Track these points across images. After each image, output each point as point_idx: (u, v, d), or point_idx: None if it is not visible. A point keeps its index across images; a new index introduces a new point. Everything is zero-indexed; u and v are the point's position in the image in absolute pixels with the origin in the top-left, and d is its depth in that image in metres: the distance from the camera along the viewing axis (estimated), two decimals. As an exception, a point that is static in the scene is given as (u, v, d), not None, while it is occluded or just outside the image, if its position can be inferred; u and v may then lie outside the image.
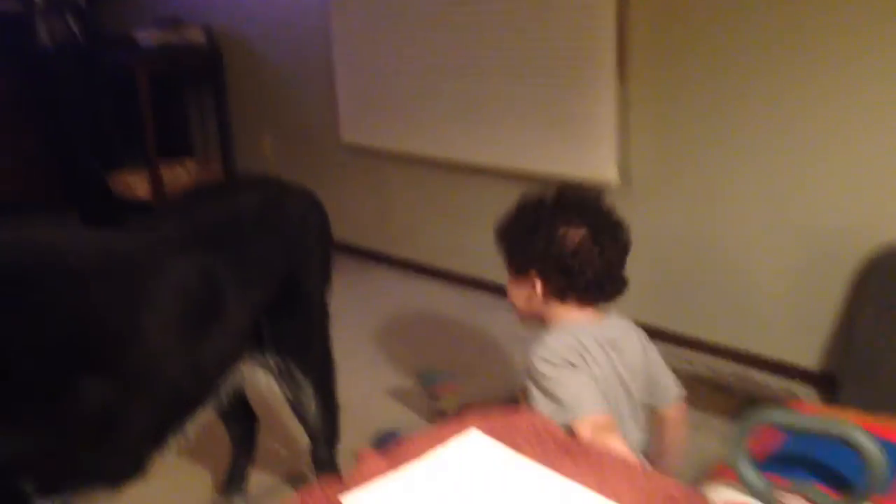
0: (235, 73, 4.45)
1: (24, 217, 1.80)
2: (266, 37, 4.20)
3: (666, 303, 2.85)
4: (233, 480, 2.10)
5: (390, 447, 0.99)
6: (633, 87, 2.74)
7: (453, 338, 3.07)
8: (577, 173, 2.91)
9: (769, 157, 2.49)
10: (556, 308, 1.69)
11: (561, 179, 2.98)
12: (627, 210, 2.84)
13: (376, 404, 2.59)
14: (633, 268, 2.98)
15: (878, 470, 1.20)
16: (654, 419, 1.76)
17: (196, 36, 4.40)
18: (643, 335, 1.77)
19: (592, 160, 2.85)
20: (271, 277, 1.73)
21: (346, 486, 0.89)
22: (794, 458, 1.40)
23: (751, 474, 1.30)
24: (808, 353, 2.53)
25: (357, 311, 3.37)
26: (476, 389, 2.52)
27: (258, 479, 2.18)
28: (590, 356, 1.59)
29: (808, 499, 1.26)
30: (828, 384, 2.44)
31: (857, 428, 1.23)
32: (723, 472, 1.43)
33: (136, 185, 4.40)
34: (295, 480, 2.22)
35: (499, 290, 2.20)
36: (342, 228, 4.10)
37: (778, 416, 1.30)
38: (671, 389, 1.81)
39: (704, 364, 2.64)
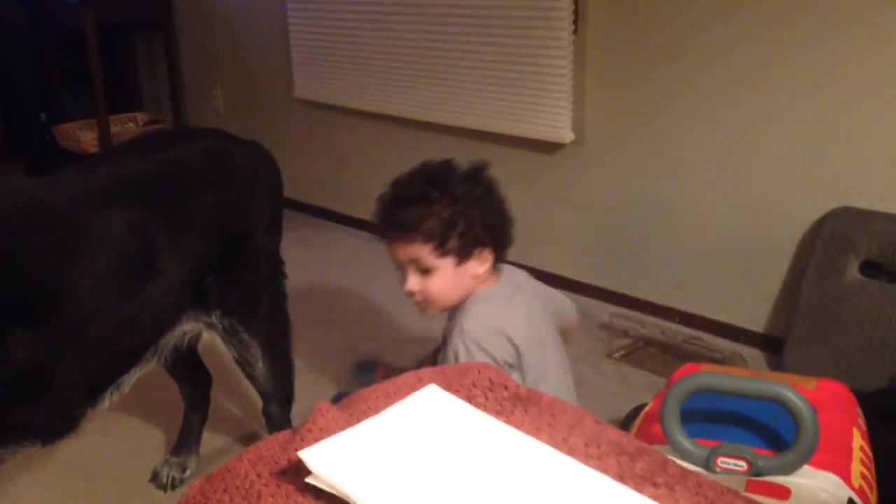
0: (187, 22, 4.34)
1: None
2: (219, -13, 4.10)
3: (617, 264, 2.88)
4: (185, 440, 2.08)
5: (347, 401, 0.98)
6: (588, 46, 2.74)
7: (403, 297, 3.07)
8: (532, 132, 2.91)
9: (723, 122, 2.51)
10: (486, 279, 1.72)
11: (516, 138, 2.98)
12: (581, 170, 2.88)
13: (331, 364, 2.58)
14: (585, 228, 3.02)
15: (810, 428, 1.24)
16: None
17: (146, -18, 4.28)
18: None
19: (547, 119, 2.85)
20: (214, 233, 1.66)
21: (302, 439, 0.88)
22: (715, 416, 1.42)
23: (685, 442, 1.32)
24: (755, 316, 2.58)
25: (309, 270, 3.35)
26: (419, 351, 2.52)
27: (211, 439, 2.17)
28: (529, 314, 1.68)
29: (745, 461, 1.29)
30: (775, 347, 2.50)
31: (788, 388, 1.25)
32: (646, 432, 1.45)
33: (83, 138, 4.28)
34: (248, 440, 2.21)
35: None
36: (294, 185, 4.06)
37: (708, 379, 1.32)
38: (566, 301, 1.93)
39: (654, 326, 2.68)
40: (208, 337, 1.78)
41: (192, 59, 4.40)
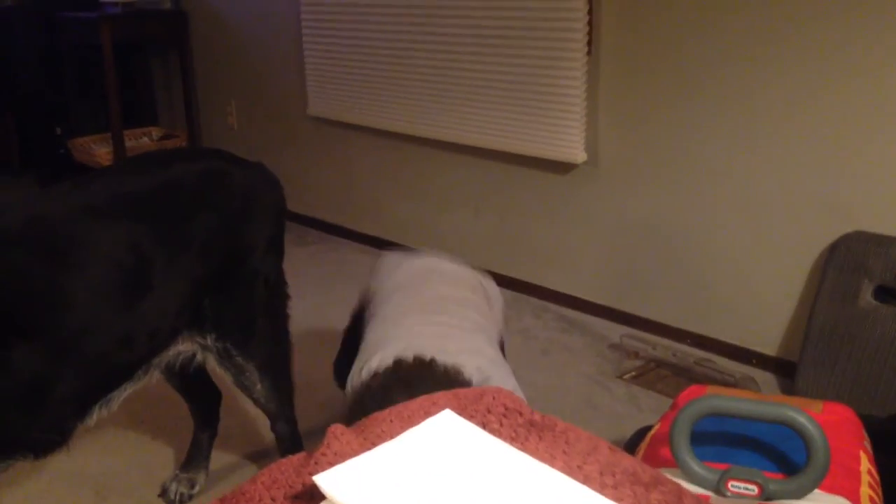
0: (202, 39, 4.38)
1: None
2: (234, 3, 4.13)
3: (629, 285, 2.87)
4: (195, 456, 2.07)
5: (361, 424, 0.98)
6: (602, 67, 2.74)
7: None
8: (545, 152, 2.91)
9: (736, 145, 2.51)
10: None
11: (529, 157, 2.99)
12: (593, 190, 2.88)
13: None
14: (597, 248, 3.01)
15: (821, 452, 1.23)
16: None
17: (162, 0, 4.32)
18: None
19: (560, 139, 2.86)
20: (210, 254, 1.65)
21: (316, 463, 0.88)
22: (722, 438, 1.41)
23: (695, 466, 1.31)
24: (768, 339, 2.57)
25: (322, 286, 3.36)
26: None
27: (220, 455, 2.17)
28: None
29: (756, 484, 1.28)
30: (787, 370, 2.49)
31: (799, 412, 1.25)
32: (654, 455, 1.44)
33: (97, 152, 4.32)
34: (258, 457, 2.21)
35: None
36: (307, 201, 4.09)
37: (719, 403, 1.31)
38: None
39: (666, 348, 2.67)
40: (201, 358, 1.77)
41: (206, 75, 4.43)
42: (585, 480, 0.86)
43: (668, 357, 2.59)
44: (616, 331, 2.82)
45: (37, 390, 1.42)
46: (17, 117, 5.01)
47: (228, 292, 1.72)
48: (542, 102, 2.87)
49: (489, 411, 0.96)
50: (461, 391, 0.97)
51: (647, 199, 2.75)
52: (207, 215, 1.65)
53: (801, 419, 1.24)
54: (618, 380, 2.54)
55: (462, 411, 0.96)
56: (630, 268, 2.86)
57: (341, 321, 3.07)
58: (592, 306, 2.96)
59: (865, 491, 1.33)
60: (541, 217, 3.05)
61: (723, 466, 1.33)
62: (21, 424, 1.44)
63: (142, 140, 4.49)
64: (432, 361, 1.47)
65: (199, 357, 1.75)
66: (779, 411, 1.27)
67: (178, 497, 2.02)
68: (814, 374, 2.35)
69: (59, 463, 1.63)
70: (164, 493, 2.04)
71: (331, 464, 0.85)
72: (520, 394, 1.65)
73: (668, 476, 0.92)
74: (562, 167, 2.93)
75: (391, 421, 0.95)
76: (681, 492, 0.86)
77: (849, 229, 2.33)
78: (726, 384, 2.41)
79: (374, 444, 0.89)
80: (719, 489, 1.30)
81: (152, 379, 1.69)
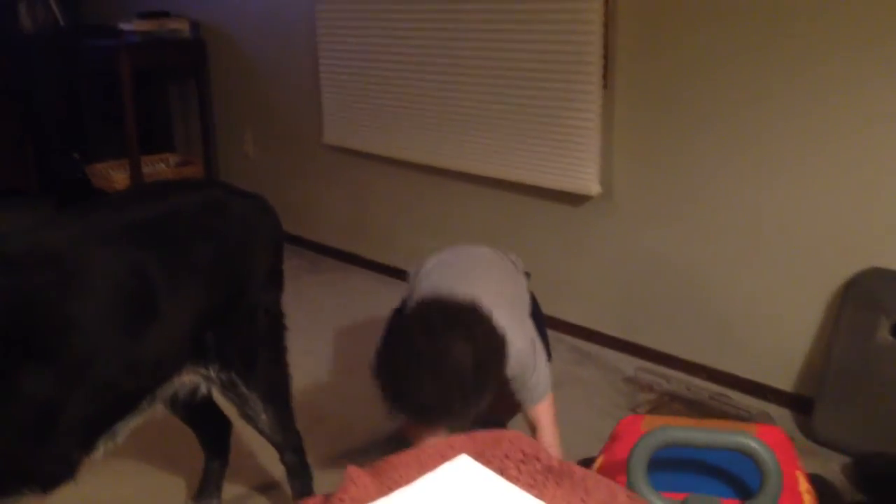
0: (220, 68, 4.42)
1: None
2: (252, 33, 4.17)
3: (643, 318, 2.86)
4: (206, 486, 2.07)
5: (379, 468, 0.98)
6: (617, 100, 2.75)
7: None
8: (559, 183, 2.92)
9: (750, 178, 2.51)
10: None
11: (543, 189, 2.99)
12: (608, 222, 2.88)
13: (354, 411, 2.58)
14: (611, 280, 3.01)
15: (775, 476, 1.24)
16: None
17: (181, 29, 4.37)
18: None
19: (574, 170, 2.86)
20: (211, 284, 1.67)
21: (333, 508, 0.88)
22: (674, 465, 1.40)
23: (654, 497, 1.31)
24: (784, 374, 2.55)
25: (335, 316, 3.36)
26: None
27: (232, 487, 2.16)
28: None
29: None
30: (804, 406, 2.47)
31: (751, 437, 1.26)
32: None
33: (115, 177, 4.35)
34: (268, 488, 2.20)
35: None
36: (321, 228, 4.10)
37: (676, 434, 1.31)
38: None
39: (680, 381, 2.65)
40: (205, 390, 1.77)
41: (223, 103, 4.47)
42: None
43: (683, 391, 2.58)
44: (630, 363, 2.81)
45: (44, 419, 1.42)
46: (36, 142, 5.07)
47: (231, 323, 1.73)
48: (557, 134, 2.88)
49: (507, 457, 0.96)
50: (479, 434, 0.97)
51: (662, 231, 2.75)
52: (208, 245, 1.67)
53: (755, 445, 1.26)
54: (631, 413, 2.52)
55: (479, 456, 0.95)
56: (644, 300, 2.85)
57: (353, 350, 3.08)
58: (606, 338, 2.95)
59: None
60: (555, 248, 3.05)
61: (680, 496, 1.33)
62: (29, 455, 1.44)
63: (158, 166, 4.52)
64: (474, 302, 1.65)
65: (202, 389, 1.76)
66: (734, 439, 1.29)
67: (190, 528, 2.02)
68: (831, 411, 2.33)
69: (68, 493, 1.63)
70: (176, 524, 2.04)
71: (348, 509, 0.85)
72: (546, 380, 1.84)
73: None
74: (576, 199, 2.94)
75: (408, 465, 0.95)
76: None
77: (865, 266, 2.32)
78: (741, 419, 2.39)
79: (390, 489, 0.89)
80: None
81: (156, 411, 1.69)
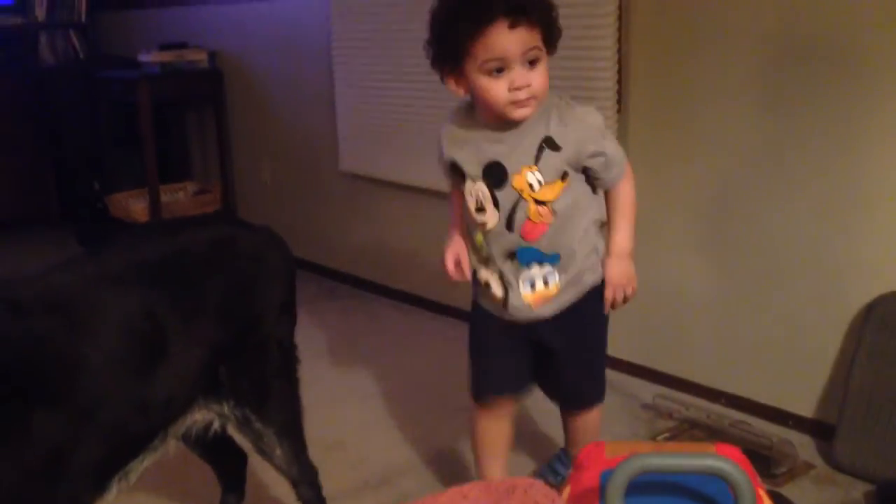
0: (237, 97, 4.47)
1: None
2: (269, 62, 4.22)
3: (661, 343, 2.84)
4: (223, 521, 2.06)
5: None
6: (631, 124, 2.75)
7: (448, 371, 3.05)
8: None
9: (766, 202, 2.49)
10: None
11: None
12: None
13: (371, 439, 2.57)
14: (629, 307, 2.98)
15: (748, 499, 1.24)
16: None
17: (200, 59, 4.42)
18: None
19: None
20: (223, 320, 1.67)
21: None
22: (641, 489, 1.39)
23: None
24: (804, 400, 2.51)
25: (353, 343, 3.36)
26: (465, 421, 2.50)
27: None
28: None
29: None
30: (825, 433, 2.43)
31: (727, 460, 1.26)
32: None
33: (134, 207, 4.39)
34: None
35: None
36: (338, 256, 4.12)
37: (650, 462, 1.30)
38: None
39: (700, 409, 2.62)
40: (219, 426, 1.77)
41: (241, 132, 4.51)
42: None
43: (703, 418, 2.55)
44: (649, 390, 2.78)
45: (55, 463, 1.42)
46: (57, 173, 5.14)
47: (244, 358, 1.72)
48: (572, 160, 2.87)
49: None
50: (493, 483, 0.96)
51: (680, 255, 2.73)
52: (219, 281, 1.67)
53: (728, 468, 1.25)
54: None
55: None
56: (663, 326, 2.83)
57: (371, 376, 3.07)
58: (625, 364, 2.92)
59: None
60: (571, 274, 3.04)
61: None
62: (41, 499, 1.43)
63: (177, 195, 4.56)
64: None
65: (215, 425, 1.76)
66: (709, 463, 1.27)
67: (206, 561, 2.01)
68: (852, 437, 2.30)
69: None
70: (192, 556, 2.03)
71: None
72: None
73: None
74: (592, 224, 2.92)
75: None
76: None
77: (884, 290, 2.29)
78: (762, 447, 2.36)
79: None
80: None
81: (169, 448, 1.69)
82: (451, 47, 1.64)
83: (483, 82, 1.65)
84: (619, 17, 2.68)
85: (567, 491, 1.53)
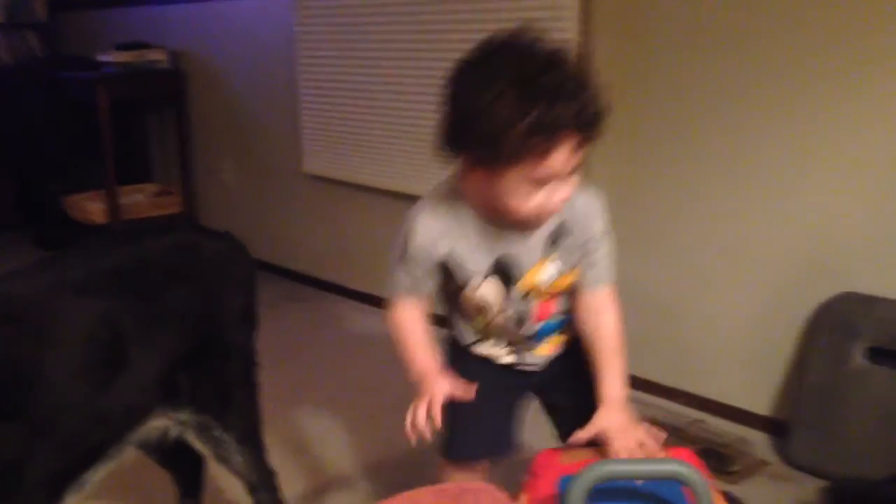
0: (198, 98, 4.43)
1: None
2: (231, 63, 4.19)
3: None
4: (180, 526, 2.04)
5: None
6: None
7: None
8: (538, 213, 2.92)
9: (725, 206, 2.52)
10: None
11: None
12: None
13: (332, 442, 2.56)
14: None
15: (706, 501, 1.26)
16: None
17: (160, 59, 4.38)
18: None
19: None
20: (183, 327, 1.65)
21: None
22: (599, 494, 1.41)
23: None
24: (761, 399, 2.55)
25: (314, 344, 3.35)
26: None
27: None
28: None
29: None
30: (780, 430, 2.47)
31: (684, 464, 1.28)
32: None
33: (91, 208, 4.34)
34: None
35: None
36: (301, 257, 4.10)
37: (613, 469, 1.32)
38: None
39: (658, 408, 2.65)
40: (176, 433, 1.74)
41: (202, 133, 4.47)
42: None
43: (661, 418, 2.57)
44: (609, 390, 2.79)
45: (9, 475, 1.39)
46: (15, 176, 5.05)
47: (205, 365, 1.70)
48: (532, 162, 2.89)
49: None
50: (444, 487, 0.96)
51: (638, 259, 2.76)
52: (180, 288, 1.65)
53: (687, 472, 1.27)
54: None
55: None
56: (624, 327, 2.85)
57: (332, 378, 3.06)
58: (585, 365, 2.94)
59: None
60: (533, 275, 3.05)
61: None
62: None
63: (136, 197, 4.51)
64: None
65: (172, 432, 1.73)
66: (668, 468, 1.31)
67: (164, 567, 1.99)
68: (806, 435, 2.34)
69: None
70: (149, 562, 2.01)
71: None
72: None
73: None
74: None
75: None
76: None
77: (838, 290, 2.33)
78: (719, 445, 2.39)
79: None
80: None
81: (124, 455, 1.66)
82: (502, 153, 1.40)
83: (521, 189, 1.43)
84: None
85: (524, 498, 1.53)
